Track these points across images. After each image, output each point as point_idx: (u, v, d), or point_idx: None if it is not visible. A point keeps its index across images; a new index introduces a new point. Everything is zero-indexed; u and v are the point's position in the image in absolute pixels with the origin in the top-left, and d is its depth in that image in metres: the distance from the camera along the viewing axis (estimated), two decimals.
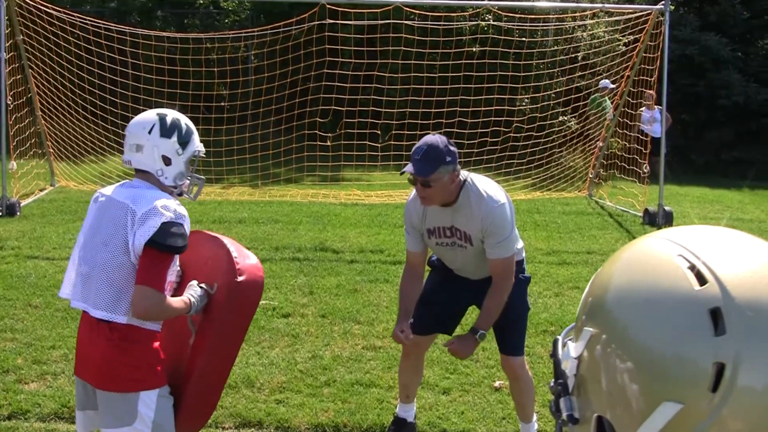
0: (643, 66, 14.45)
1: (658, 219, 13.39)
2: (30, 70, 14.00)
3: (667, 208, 13.59)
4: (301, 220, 12.85)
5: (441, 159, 4.80)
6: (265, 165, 15.85)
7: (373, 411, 6.23)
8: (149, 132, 3.98)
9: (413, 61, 16.27)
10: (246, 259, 4.09)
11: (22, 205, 12.94)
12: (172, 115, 4.09)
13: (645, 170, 14.52)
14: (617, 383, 1.30)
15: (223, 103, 17.81)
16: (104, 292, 3.81)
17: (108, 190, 4.04)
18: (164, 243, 3.74)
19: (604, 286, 1.39)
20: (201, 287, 4.02)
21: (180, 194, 4.14)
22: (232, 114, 16.34)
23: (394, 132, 16.16)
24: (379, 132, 16.46)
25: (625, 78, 15.05)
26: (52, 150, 15.01)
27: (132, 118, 4.13)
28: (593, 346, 1.37)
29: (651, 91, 16.02)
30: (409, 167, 4.83)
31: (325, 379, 6.79)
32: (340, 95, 15.76)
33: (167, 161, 4.01)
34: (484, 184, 5.07)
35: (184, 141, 4.05)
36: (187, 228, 3.86)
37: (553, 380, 1.48)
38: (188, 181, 4.19)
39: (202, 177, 4.29)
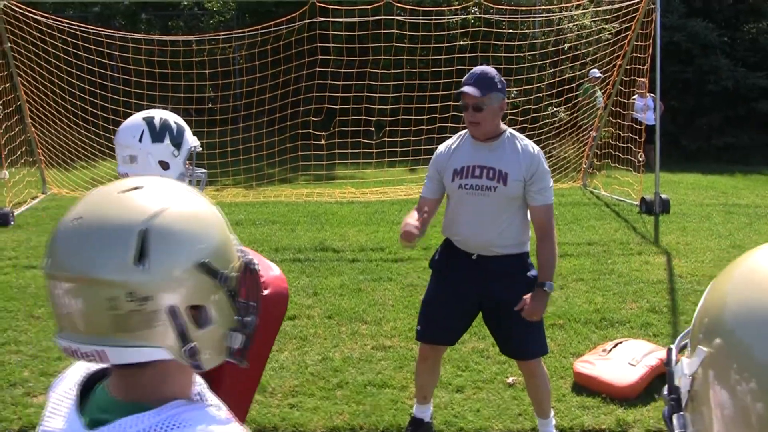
0: (634, 54, 14.40)
1: (655, 207, 13.33)
2: (19, 78, 13.87)
3: (663, 196, 13.54)
4: (299, 220, 12.76)
5: (493, 84, 4.97)
6: (259, 166, 15.75)
7: (388, 412, 6.16)
8: (140, 140, 3.79)
9: (405, 57, 16.21)
10: (269, 271, 3.96)
11: (15, 214, 12.82)
12: (158, 115, 3.89)
13: (640, 159, 14.49)
14: (738, 404, 1.23)
15: (210, 105, 17.71)
16: None
17: None
18: None
19: (721, 305, 1.32)
20: None
21: None
22: (224, 115, 16.21)
23: (387, 129, 16.10)
24: (372, 129, 16.39)
25: (617, 67, 15.00)
26: (42, 158, 14.88)
27: (121, 122, 3.93)
28: (710, 366, 1.30)
29: (643, 79, 15.99)
30: (465, 88, 4.93)
31: (337, 381, 6.72)
32: (333, 93, 15.65)
33: (165, 166, 3.83)
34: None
35: (177, 141, 3.86)
36: None
37: (666, 390, 1.40)
38: (189, 179, 3.99)
39: (204, 170, 4.12)
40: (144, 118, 3.84)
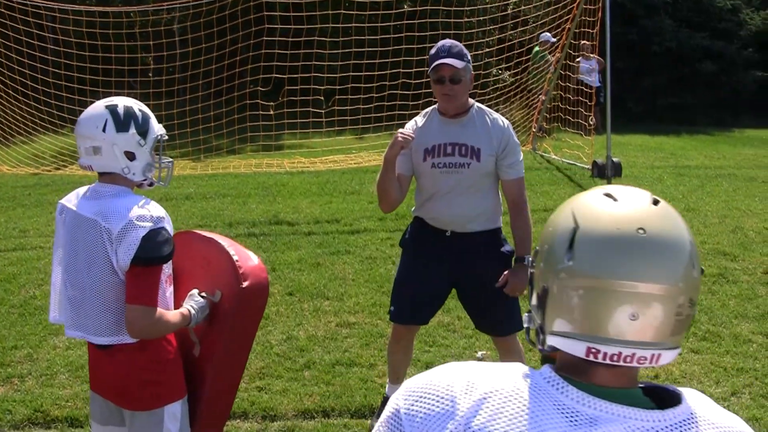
0: (583, 18, 14.34)
1: (607, 171, 13.34)
2: None
3: (615, 159, 13.54)
4: (250, 193, 12.57)
5: (466, 56, 4.89)
6: (207, 138, 15.50)
7: (358, 392, 6.04)
8: (103, 130, 3.52)
9: (352, 24, 15.99)
10: (248, 260, 3.81)
11: None
12: (122, 103, 3.61)
13: (591, 122, 14.46)
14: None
15: (151, 75, 17.36)
16: (103, 317, 3.51)
17: (71, 201, 3.64)
18: (150, 257, 3.41)
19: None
20: (202, 296, 3.74)
21: (150, 184, 3.74)
22: (169, 87, 15.89)
23: (337, 97, 15.93)
24: (321, 98, 16.19)
25: (566, 30, 14.93)
26: None
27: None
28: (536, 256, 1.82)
29: (586, 41, 15.96)
30: (443, 60, 4.79)
31: (304, 362, 6.58)
32: (280, 63, 15.41)
33: (131, 156, 3.57)
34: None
35: (143, 130, 3.59)
36: (169, 228, 3.52)
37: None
38: (156, 170, 3.77)
39: (170, 159, 3.88)
40: (107, 107, 3.58)
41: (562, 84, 16.03)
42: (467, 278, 5.19)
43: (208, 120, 15.41)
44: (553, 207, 11.38)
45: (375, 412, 5.80)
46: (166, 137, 3.81)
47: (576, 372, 1.69)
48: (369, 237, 9.99)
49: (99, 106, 3.61)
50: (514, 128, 5.21)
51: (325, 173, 14.02)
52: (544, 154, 15.65)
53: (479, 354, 6.66)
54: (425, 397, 1.69)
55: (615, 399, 1.63)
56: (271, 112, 15.51)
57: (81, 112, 3.66)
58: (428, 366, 6.48)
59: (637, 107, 21.95)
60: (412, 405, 1.70)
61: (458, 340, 6.96)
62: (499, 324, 5.28)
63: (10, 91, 14.72)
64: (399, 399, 1.74)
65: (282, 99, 15.84)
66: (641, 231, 1.64)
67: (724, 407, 5.60)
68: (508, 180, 4.98)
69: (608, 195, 1.72)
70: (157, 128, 3.72)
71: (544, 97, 15.97)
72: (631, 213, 1.67)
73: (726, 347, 6.87)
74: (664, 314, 1.62)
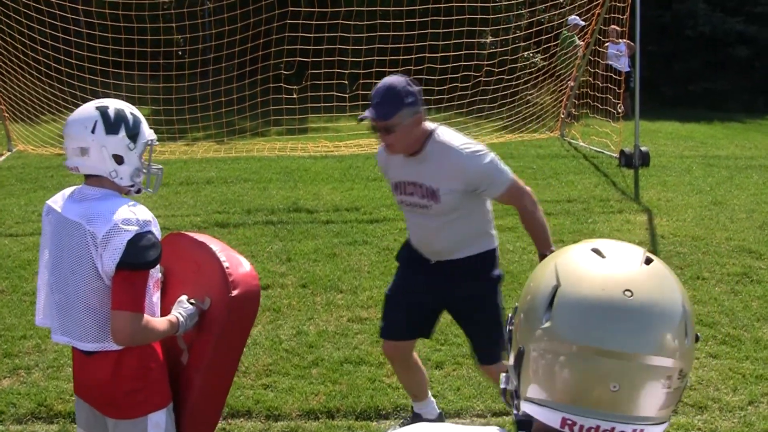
0: (612, 3, 14.11)
1: (634, 160, 13.13)
2: None
3: (643, 148, 13.32)
4: (272, 178, 12.47)
5: (401, 100, 4.34)
6: (231, 120, 15.43)
7: (365, 392, 5.95)
8: (92, 131, 3.45)
9: (378, 8, 15.84)
10: (239, 267, 3.71)
11: None
12: (113, 105, 3.54)
13: (619, 110, 14.24)
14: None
15: (180, 52, 17.29)
16: (88, 323, 3.42)
17: (57, 202, 3.56)
18: (136, 262, 3.33)
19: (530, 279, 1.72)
20: (191, 303, 3.65)
21: (138, 191, 3.65)
22: (193, 69, 15.81)
23: (361, 81, 15.78)
24: (345, 82, 16.05)
25: (596, 15, 14.69)
26: (6, 114, 14.47)
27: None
28: (516, 316, 1.71)
29: (615, 26, 15.72)
30: (367, 112, 4.38)
31: (313, 359, 6.50)
32: (304, 46, 15.29)
33: (119, 160, 3.50)
34: (456, 136, 4.61)
35: (133, 133, 3.52)
36: (156, 231, 3.43)
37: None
38: (144, 175, 3.68)
39: (160, 166, 3.80)
40: (97, 108, 3.51)
41: (591, 70, 15.79)
42: (452, 302, 5.00)
43: (232, 103, 15.33)
44: (577, 197, 11.23)
45: (381, 414, 5.71)
46: (156, 143, 3.72)
47: None
48: (387, 227, 9.87)
49: (89, 107, 3.54)
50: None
51: (349, 158, 13.90)
52: (571, 140, 15.44)
53: None
54: None
55: None
56: (295, 96, 15.41)
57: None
58: (438, 366, 6.38)
59: (669, 92, 21.66)
60: None
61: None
62: (479, 351, 5.04)
63: (34, 72, 14.70)
64: None
65: (306, 82, 15.72)
66: (628, 293, 1.51)
67: (740, 417, 5.46)
68: (498, 197, 4.66)
69: (596, 251, 1.60)
70: (148, 133, 3.64)
71: (572, 83, 15.75)
72: (618, 273, 1.54)
73: (746, 352, 6.69)
74: (651, 386, 1.50)
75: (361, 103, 15.26)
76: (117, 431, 3.60)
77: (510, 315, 1.71)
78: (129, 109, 3.59)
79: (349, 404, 5.80)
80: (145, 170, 3.67)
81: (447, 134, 4.56)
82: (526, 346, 1.57)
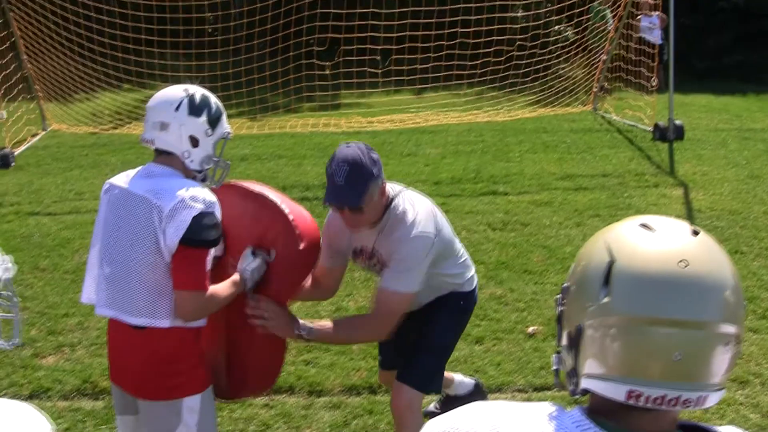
0: None
1: (668, 133, 13.06)
2: (11, 13, 13.49)
3: (677, 121, 13.25)
4: (306, 154, 12.51)
5: (368, 175, 3.80)
6: (264, 96, 15.45)
7: None
8: (176, 109, 3.55)
9: None
10: (303, 220, 3.76)
11: (15, 154, 12.55)
12: (201, 92, 3.67)
13: (653, 84, 14.14)
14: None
15: (210, 28, 17.34)
16: (140, 297, 3.46)
17: (121, 180, 3.63)
18: (199, 239, 3.39)
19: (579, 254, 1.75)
20: (257, 255, 3.71)
21: (203, 180, 3.69)
22: (225, 47, 15.81)
23: (394, 57, 15.78)
24: (378, 57, 16.04)
25: None
26: (41, 93, 14.56)
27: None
28: (566, 296, 1.72)
29: None
30: (332, 196, 3.82)
31: None
32: (336, 22, 15.28)
33: (195, 142, 3.57)
34: (416, 207, 4.03)
35: (213, 120, 3.63)
36: (218, 214, 3.49)
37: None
38: (213, 166, 3.73)
39: (228, 161, 3.84)
40: (185, 90, 3.64)
41: (624, 43, 15.68)
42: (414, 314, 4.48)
43: (264, 79, 15.35)
44: (612, 172, 11.19)
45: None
46: (231, 136, 3.82)
47: (610, 416, 1.58)
48: None
49: (178, 88, 3.67)
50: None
51: (382, 134, 13.90)
52: (605, 114, 15.36)
53: (530, 330, 6.54)
54: None
55: None
56: (328, 72, 15.41)
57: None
58: (478, 341, 6.40)
59: (702, 65, 21.41)
60: None
61: (509, 314, 6.86)
62: (406, 365, 4.44)
63: (67, 51, 14.76)
64: None
65: (338, 58, 15.72)
66: (683, 263, 1.53)
67: None
68: (378, 288, 4.09)
69: (644, 225, 1.62)
70: (227, 126, 3.75)
71: (605, 57, 15.65)
72: (671, 245, 1.56)
73: None
74: (715, 353, 1.52)
75: (393, 78, 15.28)
76: (149, 413, 3.64)
77: (558, 297, 1.71)
78: (214, 99, 3.71)
79: None
80: (216, 162, 3.72)
81: (408, 205, 4.02)
82: (583, 323, 1.58)
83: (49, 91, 14.87)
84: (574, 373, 1.63)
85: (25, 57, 13.98)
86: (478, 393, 5.38)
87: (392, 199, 4.02)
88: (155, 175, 3.56)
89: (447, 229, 4.25)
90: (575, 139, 13.37)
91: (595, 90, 16.00)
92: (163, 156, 3.61)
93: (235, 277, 3.66)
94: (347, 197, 3.80)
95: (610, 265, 1.57)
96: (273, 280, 3.75)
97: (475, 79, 15.44)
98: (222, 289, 3.57)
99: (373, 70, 15.54)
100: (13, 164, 12.15)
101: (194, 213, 3.37)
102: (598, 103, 15.94)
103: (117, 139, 13.70)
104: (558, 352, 1.72)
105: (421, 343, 4.42)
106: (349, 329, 4.18)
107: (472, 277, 4.56)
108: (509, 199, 10.06)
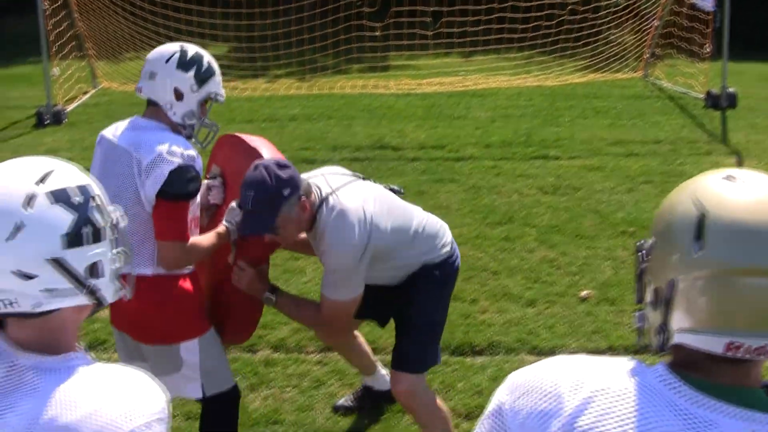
0: None
1: (721, 101, 12.91)
2: None
3: (730, 89, 13.08)
4: (355, 115, 12.51)
5: (277, 197, 3.65)
6: (313, 57, 15.43)
7: (459, 328, 5.99)
8: (166, 61, 3.75)
9: None
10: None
11: (67, 111, 12.66)
12: (195, 50, 3.86)
13: (705, 51, 13.95)
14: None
15: None
16: None
17: (110, 131, 3.77)
18: (176, 192, 3.52)
19: (661, 207, 1.70)
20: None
21: (189, 137, 3.81)
22: (274, 7, 15.77)
23: (444, 19, 15.70)
24: (428, 19, 15.96)
25: None
26: (91, 52, 14.63)
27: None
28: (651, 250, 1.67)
29: None
30: (243, 225, 3.75)
31: None
32: None
33: (179, 95, 3.74)
34: (343, 214, 3.82)
35: (202, 78, 3.80)
36: (199, 168, 3.61)
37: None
38: (198, 124, 3.88)
39: (216, 124, 4.02)
40: (181, 46, 3.84)
41: (676, 9, 15.46)
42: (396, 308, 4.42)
43: (313, 40, 15.31)
44: (664, 139, 11.08)
45: (475, 350, 5.74)
46: (222, 100, 3.95)
47: (695, 370, 1.57)
48: (474, 165, 9.86)
49: (175, 44, 3.88)
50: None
51: (432, 96, 13.86)
52: (656, 81, 15.19)
53: (583, 294, 6.52)
54: (530, 393, 1.63)
55: (736, 399, 1.52)
56: (378, 33, 15.36)
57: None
58: (531, 304, 6.39)
59: (755, 33, 21.09)
60: (517, 400, 1.63)
61: (562, 278, 6.84)
62: (397, 353, 4.34)
63: (118, 10, 14.80)
64: (503, 393, 1.68)
65: (389, 20, 15.65)
66: None
67: None
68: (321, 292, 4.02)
69: (728, 177, 1.60)
70: (216, 87, 3.89)
71: (657, 22, 15.46)
72: (761, 194, 1.55)
73: None
74: None
75: (443, 41, 15.21)
76: (153, 356, 3.77)
77: (642, 253, 1.68)
78: (208, 58, 3.88)
79: (444, 340, 5.70)
80: (200, 119, 3.88)
81: (337, 210, 3.83)
82: (676, 278, 1.57)
83: (100, 50, 14.95)
84: (663, 329, 1.61)
85: (76, 15, 14.03)
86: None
87: (320, 205, 3.84)
88: (139, 128, 3.70)
89: (391, 220, 4.01)
90: (626, 105, 13.25)
91: (646, 56, 15.83)
92: (150, 109, 3.78)
93: (220, 228, 3.79)
94: (257, 224, 3.70)
95: (702, 218, 1.55)
96: (250, 243, 3.88)
97: (525, 43, 15.31)
98: (204, 239, 3.71)
99: (423, 32, 15.47)
100: (65, 121, 12.28)
101: (172, 167, 3.49)
102: (649, 70, 15.77)
103: None
104: (639, 311, 1.70)
105: (405, 326, 4.31)
106: (307, 318, 4.23)
107: (441, 245, 4.30)
108: (560, 163, 10.01)
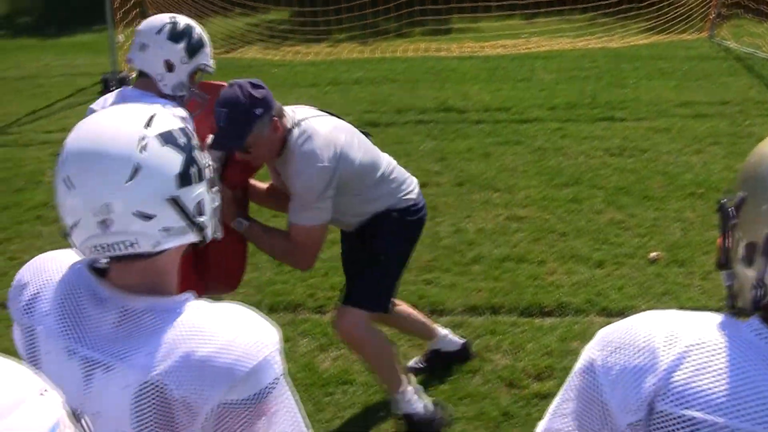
0: None
1: None
2: None
3: None
4: (419, 78, 12.49)
5: (249, 114, 3.71)
6: (375, 21, 15.42)
7: (527, 290, 5.98)
8: (158, 33, 3.85)
9: None
10: None
11: (131, 77, 12.79)
12: (186, 21, 3.94)
13: None
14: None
15: None
16: None
17: (100, 104, 3.85)
18: None
19: (751, 158, 1.62)
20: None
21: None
22: None
23: None
24: None
25: None
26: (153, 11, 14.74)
27: None
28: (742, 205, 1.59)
29: None
30: (215, 140, 3.75)
31: (473, 256, 6.56)
32: None
33: (170, 67, 3.85)
34: (313, 137, 3.86)
35: (192, 50, 3.90)
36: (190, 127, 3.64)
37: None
38: (188, 95, 3.97)
39: (205, 95, 4.04)
40: (170, 17, 3.93)
41: None
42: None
43: (376, 3, 15.29)
44: (731, 100, 10.92)
45: (544, 311, 5.74)
46: (211, 71, 4.05)
47: None
48: (539, 127, 9.82)
49: (166, 15, 3.96)
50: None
51: (494, 59, 13.80)
52: (722, 41, 14.96)
53: (652, 255, 6.48)
54: (623, 348, 1.58)
55: None
56: None
57: None
58: (600, 265, 6.37)
59: None
60: (609, 356, 1.59)
61: (631, 239, 6.80)
62: (348, 288, 4.41)
63: None
64: (594, 350, 1.63)
65: None
66: None
67: None
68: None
69: None
70: (206, 59, 3.98)
71: None
72: None
73: None
74: None
75: (506, 2, 15.10)
76: None
77: (730, 209, 1.61)
78: (199, 29, 3.97)
79: (512, 301, 5.85)
80: (190, 90, 3.97)
81: (306, 134, 3.88)
82: None
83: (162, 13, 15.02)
84: (760, 284, 1.55)
85: None
86: (464, 353, 5.14)
87: (291, 130, 3.89)
88: (127, 98, 3.77)
89: (360, 153, 4.04)
90: (692, 66, 13.07)
91: (711, 17, 15.58)
92: (141, 81, 3.88)
93: None
94: (228, 139, 3.74)
95: None
96: (229, 166, 3.92)
97: (589, 4, 15.16)
98: None
99: None
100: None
101: None
102: (715, 30, 15.53)
103: (229, 63, 13.82)
104: (727, 269, 1.65)
105: (359, 265, 4.35)
106: (277, 246, 4.10)
107: (407, 192, 4.31)
108: (626, 125, 9.92)
